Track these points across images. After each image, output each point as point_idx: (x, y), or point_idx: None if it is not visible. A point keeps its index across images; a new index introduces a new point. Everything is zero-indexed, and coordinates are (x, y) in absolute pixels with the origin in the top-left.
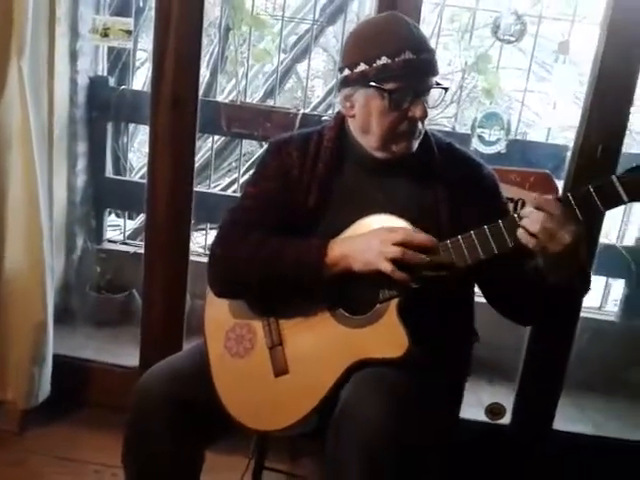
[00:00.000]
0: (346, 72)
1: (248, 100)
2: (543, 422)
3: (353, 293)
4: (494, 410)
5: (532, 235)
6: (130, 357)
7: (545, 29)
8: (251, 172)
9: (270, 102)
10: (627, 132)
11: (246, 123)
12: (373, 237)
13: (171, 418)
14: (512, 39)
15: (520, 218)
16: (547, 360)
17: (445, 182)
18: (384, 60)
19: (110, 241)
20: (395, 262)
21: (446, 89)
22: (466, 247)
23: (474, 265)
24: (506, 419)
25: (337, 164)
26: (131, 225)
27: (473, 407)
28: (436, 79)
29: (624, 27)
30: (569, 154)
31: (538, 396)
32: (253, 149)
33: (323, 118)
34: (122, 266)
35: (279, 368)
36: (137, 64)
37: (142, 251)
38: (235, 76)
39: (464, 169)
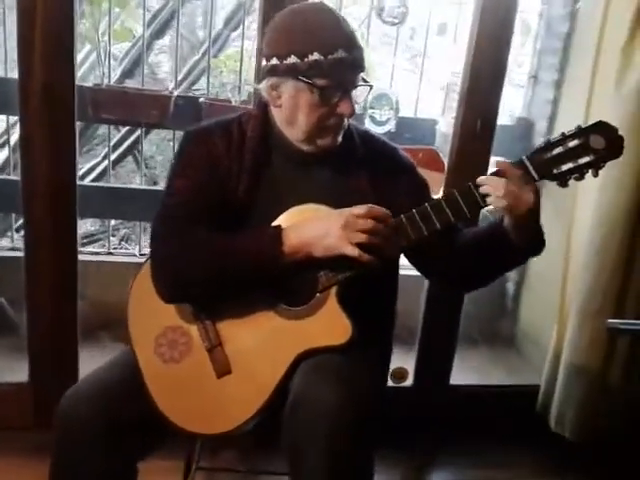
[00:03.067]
0: (274, 61)
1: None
2: (441, 380)
3: (289, 285)
4: (398, 374)
5: (500, 198)
6: (13, 372)
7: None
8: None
9: (129, 83)
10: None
11: (116, 108)
12: (333, 221)
13: (102, 440)
14: (396, 21)
15: (478, 186)
16: (442, 321)
17: (368, 168)
18: (316, 56)
19: None
20: (359, 245)
21: (371, 86)
22: (421, 220)
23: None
24: (408, 381)
25: (264, 153)
26: None
27: None
28: (362, 75)
29: (495, 7)
30: (437, 127)
31: (436, 356)
32: (105, 131)
33: (200, 100)
34: None
35: (221, 368)
36: None
37: (2, 254)
38: (96, 54)
39: (383, 154)
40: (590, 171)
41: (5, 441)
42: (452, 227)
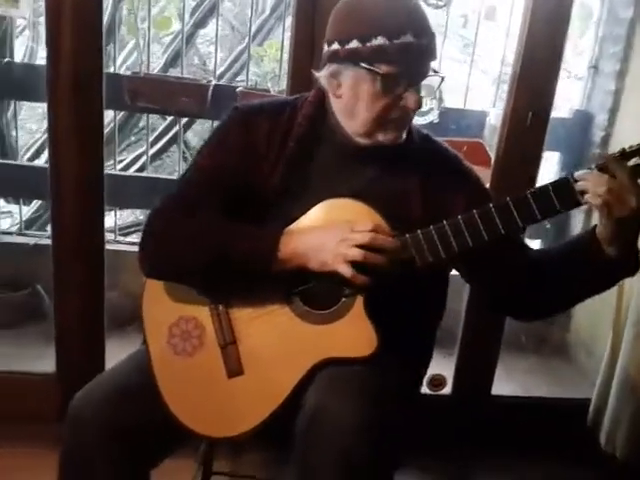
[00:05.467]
0: (335, 46)
1: (148, 71)
2: (482, 389)
3: (314, 284)
4: (435, 382)
5: (602, 199)
6: (43, 360)
7: None
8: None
9: (172, 72)
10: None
11: (153, 97)
12: (329, 235)
13: (112, 449)
14: (441, 4)
15: (575, 181)
16: (485, 324)
17: (422, 171)
18: (381, 40)
19: (4, 232)
20: (354, 263)
21: (443, 78)
22: (444, 237)
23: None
24: (447, 389)
25: (309, 144)
26: (26, 211)
27: None
28: (433, 66)
29: None
30: (487, 119)
31: (477, 364)
32: (154, 121)
33: (238, 89)
34: (21, 260)
35: (232, 368)
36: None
37: (43, 242)
38: (135, 44)
39: (442, 159)
40: None
41: (30, 433)
42: (510, 243)
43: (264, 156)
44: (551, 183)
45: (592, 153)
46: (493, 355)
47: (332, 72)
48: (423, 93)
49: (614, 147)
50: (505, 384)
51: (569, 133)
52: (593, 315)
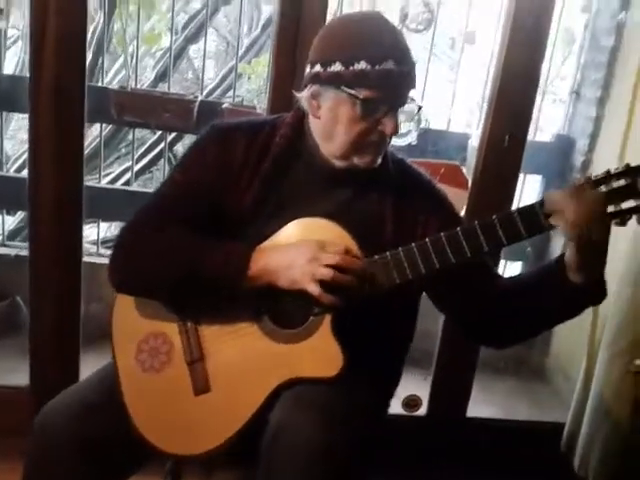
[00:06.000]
0: (317, 68)
1: (137, 85)
2: (458, 410)
3: (283, 303)
4: (410, 402)
5: (570, 224)
6: (17, 374)
7: (441, 16)
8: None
9: (162, 86)
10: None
11: (139, 111)
12: (299, 253)
13: (78, 463)
14: (421, 28)
15: (542, 204)
16: (461, 345)
17: (395, 195)
18: (363, 65)
19: None
20: (322, 282)
21: (420, 107)
22: (406, 260)
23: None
24: (422, 410)
25: (285, 164)
26: (10, 222)
27: None
28: (411, 94)
29: (528, 13)
30: (470, 142)
31: (452, 386)
32: (144, 134)
33: (224, 106)
34: (2, 271)
35: (199, 386)
36: (7, 43)
37: (24, 253)
38: (123, 59)
39: (415, 184)
40: (635, 217)
41: (3, 447)
42: (476, 268)
43: (239, 174)
44: (518, 209)
45: (575, 179)
46: (468, 377)
47: (313, 93)
48: (402, 118)
49: (594, 173)
50: (483, 406)
51: (551, 157)
52: (571, 338)
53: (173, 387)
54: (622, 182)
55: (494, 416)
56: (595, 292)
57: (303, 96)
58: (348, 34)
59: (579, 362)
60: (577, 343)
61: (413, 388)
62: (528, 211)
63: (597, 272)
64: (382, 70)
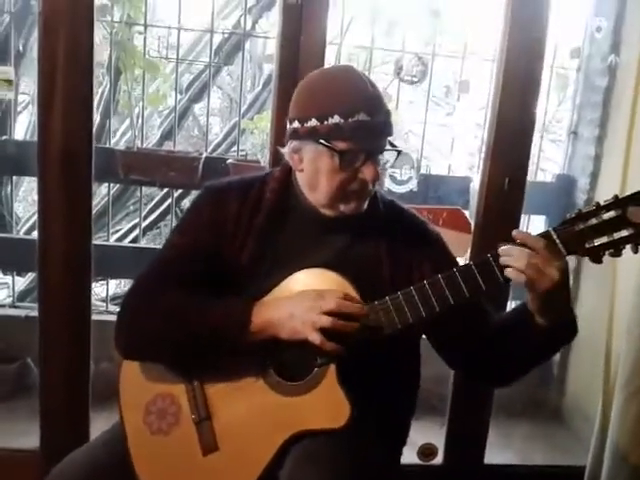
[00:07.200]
0: (296, 125)
1: (144, 143)
2: (475, 458)
3: (287, 355)
4: (426, 451)
5: (520, 272)
6: (28, 436)
7: (437, 65)
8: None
9: (167, 144)
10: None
11: (145, 170)
12: (299, 303)
13: None
14: (415, 80)
15: (497, 257)
16: (476, 389)
17: (388, 238)
18: (336, 119)
19: None
20: (324, 330)
21: (399, 151)
22: (407, 304)
23: (415, 322)
24: (438, 459)
25: (278, 218)
26: (21, 283)
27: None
28: (390, 139)
29: (519, 59)
30: (471, 185)
31: (468, 432)
32: (152, 191)
33: (228, 161)
34: (13, 332)
35: (207, 445)
36: (18, 108)
37: (35, 314)
38: (130, 119)
39: (408, 225)
40: (629, 246)
41: None
42: (473, 310)
43: (234, 232)
44: (474, 262)
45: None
46: (484, 422)
47: (294, 148)
48: (387, 164)
49: None
50: (500, 451)
51: (553, 197)
52: (587, 376)
53: (181, 448)
54: (612, 213)
55: (511, 462)
56: (563, 332)
57: (285, 151)
58: (322, 90)
59: (597, 401)
60: (593, 381)
61: (429, 436)
62: (484, 264)
63: (562, 315)
64: (355, 122)
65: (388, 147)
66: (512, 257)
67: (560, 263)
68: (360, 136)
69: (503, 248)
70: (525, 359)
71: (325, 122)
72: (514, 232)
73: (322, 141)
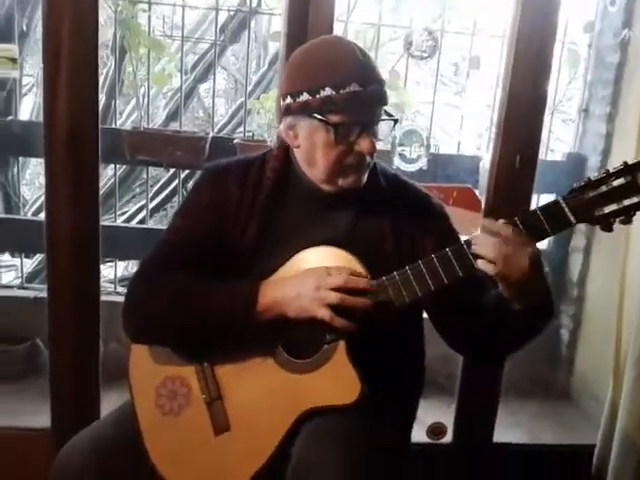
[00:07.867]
0: (288, 100)
1: (150, 124)
2: (484, 437)
3: (296, 333)
4: (435, 430)
5: (490, 262)
6: (40, 416)
7: (445, 43)
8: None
9: (173, 125)
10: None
11: (152, 150)
12: (306, 281)
13: None
14: (425, 55)
15: (469, 245)
16: (485, 369)
17: (391, 211)
18: (328, 92)
19: (5, 286)
20: (333, 307)
21: (396, 120)
22: (415, 278)
23: (423, 297)
24: (447, 437)
25: (279, 196)
26: (29, 265)
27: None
28: (385, 109)
29: (531, 37)
30: (481, 164)
31: (477, 411)
32: (158, 173)
33: (235, 141)
34: (22, 313)
35: (219, 425)
36: (23, 90)
37: (43, 295)
38: (135, 99)
39: (411, 199)
40: (639, 213)
41: None
42: (472, 284)
43: (236, 213)
44: (450, 248)
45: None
46: (493, 401)
47: (288, 124)
48: (381, 135)
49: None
50: (510, 430)
51: (564, 175)
52: (596, 356)
53: (193, 429)
54: (622, 180)
55: (520, 440)
56: (538, 317)
57: (280, 129)
58: (311, 63)
59: (606, 380)
60: (603, 360)
61: (438, 415)
62: (458, 250)
63: (536, 300)
64: (347, 93)
65: (384, 117)
66: (482, 247)
67: (531, 250)
68: (353, 108)
69: (474, 237)
70: (511, 340)
71: (317, 95)
72: (483, 221)
73: (315, 115)
